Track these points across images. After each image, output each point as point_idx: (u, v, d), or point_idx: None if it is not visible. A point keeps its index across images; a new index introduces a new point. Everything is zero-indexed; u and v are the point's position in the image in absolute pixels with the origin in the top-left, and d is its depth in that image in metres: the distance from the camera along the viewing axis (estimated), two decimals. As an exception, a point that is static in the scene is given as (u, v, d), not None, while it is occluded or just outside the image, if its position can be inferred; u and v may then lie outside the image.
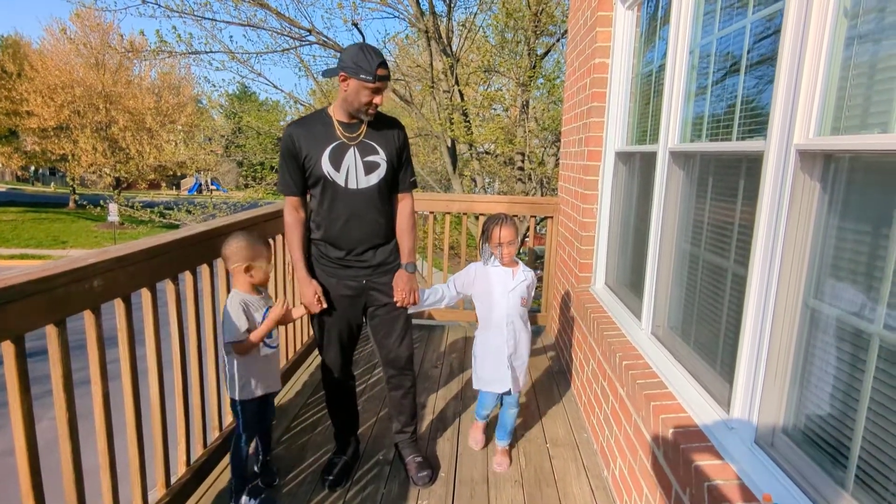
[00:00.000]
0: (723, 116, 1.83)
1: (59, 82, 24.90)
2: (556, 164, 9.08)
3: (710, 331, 1.89)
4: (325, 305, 2.24)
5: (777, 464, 1.35)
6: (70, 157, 26.57)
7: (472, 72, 9.29)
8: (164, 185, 40.03)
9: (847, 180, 1.23)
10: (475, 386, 2.54)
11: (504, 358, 2.43)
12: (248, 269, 2.10)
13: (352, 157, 2.17)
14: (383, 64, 2.04)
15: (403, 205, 2.38)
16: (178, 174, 32.41)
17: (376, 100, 2.09)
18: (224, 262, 2.19)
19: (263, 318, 2.11)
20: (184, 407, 2.18)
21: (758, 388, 1.43)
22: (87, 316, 1.66)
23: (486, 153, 9.72)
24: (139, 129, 26.61)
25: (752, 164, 1.60)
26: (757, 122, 1.58)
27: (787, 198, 1.34)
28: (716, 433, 1.56)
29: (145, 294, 1.93)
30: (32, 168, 42.57)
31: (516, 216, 4.51)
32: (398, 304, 2.31)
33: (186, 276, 2.20)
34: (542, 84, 9.07)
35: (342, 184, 2.18)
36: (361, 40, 7.85)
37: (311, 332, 3.84)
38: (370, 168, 2.20)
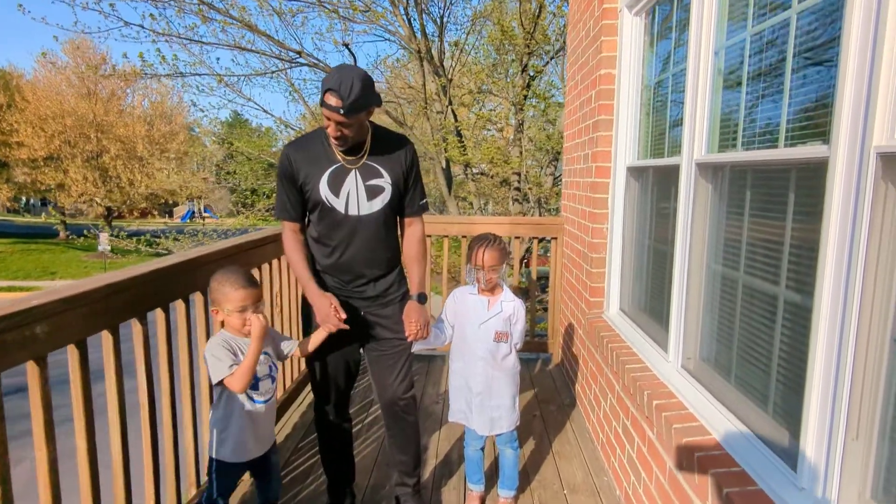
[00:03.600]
0: (763, 122, 1.61)
1: (49, 112, 24.80)
2: (554, 184, 8.92)
3: (756, 365, 1.64)
4: (344, 316, 1.91)
5: (869, 538, 1.10)
6: (60, 188, 26.32)
7: (465, 93, 9.18)
8: (155, 213, 39.74)
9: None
10: (449, 418, 2.29)
11: (472, 396, 2.17)
12: (216, 312, 1.83)
13: (353, 182, 1.94)
14: (334, 90, 1.70)
15: (412, 230, 2.15)
16: (170, 202, 32.23)
17: (331, 131, 1.80)
18: None
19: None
20: (153, 463, 1.89)
21: (837, 442, 1.18)
22: (31, 368, 1.40)
23: (482, 174, 9.56)
24: (130, 157, 26.45)
25: (807, 173, 1.38)
26: (813, 126, 1.36)
27: (867, 212, 1.11)
28: (783, 494, 1.30)
29: (106, 338, 1.67)
30: (23, 199, 42.23)
31: (519, 237, 4.28)
32: (410, 339, 2.04)
33: (157, 315, 1.94)
34: (535, 104, 8.97)
35: (342, 210, 1.95)
36: (353, 62, 7.72)
37: (303, 366, 3.56)
38: (373, 193, 1.97)
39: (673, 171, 2.22)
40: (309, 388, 3.57)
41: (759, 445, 1.49)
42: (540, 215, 8.88)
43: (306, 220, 2.09)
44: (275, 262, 2.93)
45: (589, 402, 3.09)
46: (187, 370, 2.10)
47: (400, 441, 2.24)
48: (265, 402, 1.88)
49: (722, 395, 1.77)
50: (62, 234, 29.99)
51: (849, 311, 1.14)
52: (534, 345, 4.24)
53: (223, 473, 1.84)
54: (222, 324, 1.86)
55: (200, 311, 2.20)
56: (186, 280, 2.05)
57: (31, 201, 44.89)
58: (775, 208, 1.55)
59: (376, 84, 1.90)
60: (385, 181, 1.98)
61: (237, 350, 1.79)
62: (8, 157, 25.96)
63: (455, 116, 8.61)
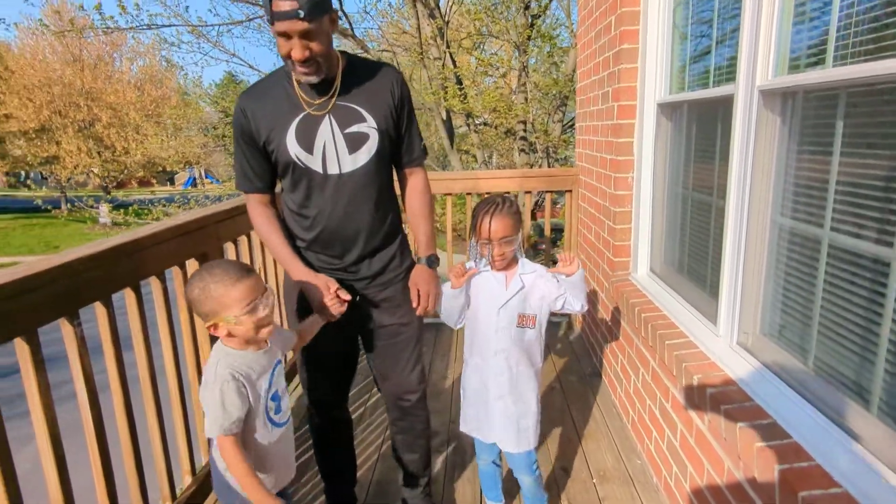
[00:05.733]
0: (868, 26, 1.19)
1: (35, 82, 24.00)
2: (563, 131, 8.39)
3: (852, 350, 1.28)
4: (348, 297, 1.54)
5: None
6: (55, 160, 25.78)
7: (464, 36, 8.53)
8: (155, 181, 39.12)
9: None
10: (461, 427, 1.83)
11: (491, 400, 1.73)
12: (214, 328, 1.29)
13: (328, 132, 1.53)
14: None
15: (414, 181, 1.74)
16: (168, 169, 31.63)
17: (296, 52, 1.37)
18: None
19: (271, 381, 1.37)
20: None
21: None
22: None
23: (485, 124, 9.02)
24: (124, 125, 25.74)
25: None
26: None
27: None
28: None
29: (20, 347, 1.32)
30: (23, 173, 41.65)
31: (529, 192, 3.86)
32: (418, 312, 1.69)
33: (97, 310, 1.59)
34: (540, 45, 8.33)
35: (319, 170, 1.55)
36: (338, 6, 7.09)
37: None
38: (356, 143, 1.55)
39: (722, 104, 1.80)
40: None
41: (862, 452, 1.14)
42: (549, 166, 8.40)
43: (277, 187, 1.70)
44: (254, 234, 2.57)
45: (615, 374, 2.76)
46: (147, 373, 1.76)
47: (408, 439, 1.92)
48: (284, 424, 1.44)
49: (800, 385, 1.42)
50: (63, 208, 29.62)
51: None
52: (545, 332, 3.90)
53: None
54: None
55: (159, 299, 1.86)
56: (133, 265, 1.69)
57: (31, 175, 44.36)
58: (885, 143, 1.15)
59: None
60: (369, 126, 1.55)
61: (249, 380, 1.30)
62: (-1, 130, 25.32)
63: (454, 62, 8.00)
